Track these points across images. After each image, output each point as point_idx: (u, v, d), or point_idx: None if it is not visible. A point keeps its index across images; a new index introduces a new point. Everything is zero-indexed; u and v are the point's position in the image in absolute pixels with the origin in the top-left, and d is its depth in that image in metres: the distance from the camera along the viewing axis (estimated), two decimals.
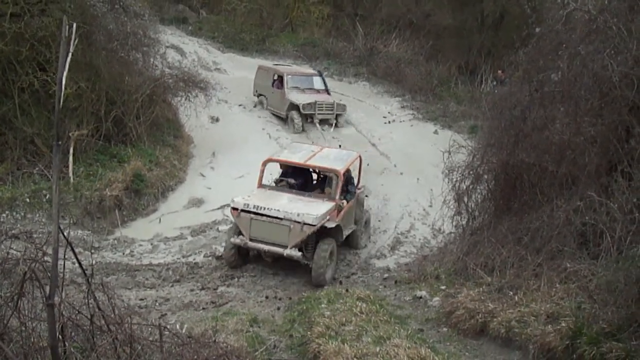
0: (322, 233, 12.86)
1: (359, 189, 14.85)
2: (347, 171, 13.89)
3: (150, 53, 19.33)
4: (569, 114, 11.26)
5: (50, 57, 15.96)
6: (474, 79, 26.47)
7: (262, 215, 12.68)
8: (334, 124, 21.98)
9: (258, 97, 23.61)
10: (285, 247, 12.56)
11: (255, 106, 23.44)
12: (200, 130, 19.87)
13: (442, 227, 14.25)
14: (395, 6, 32.21)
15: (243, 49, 29.30)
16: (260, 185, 13.98)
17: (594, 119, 10.77)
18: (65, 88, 15.48)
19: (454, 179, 12.76)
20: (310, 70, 24.61)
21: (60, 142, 5.08)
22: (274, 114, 22.69)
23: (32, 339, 5.94)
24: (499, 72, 22.99)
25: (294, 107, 21.79)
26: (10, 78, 15.97)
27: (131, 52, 18.56)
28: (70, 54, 5.06)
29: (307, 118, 21.78)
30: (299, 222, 12.34)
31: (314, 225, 12.34)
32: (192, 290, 12.55)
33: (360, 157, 14.92)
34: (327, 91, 22.96)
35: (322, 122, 21.96)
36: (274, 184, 14.39)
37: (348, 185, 13.92)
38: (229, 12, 32.76)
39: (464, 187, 12.73)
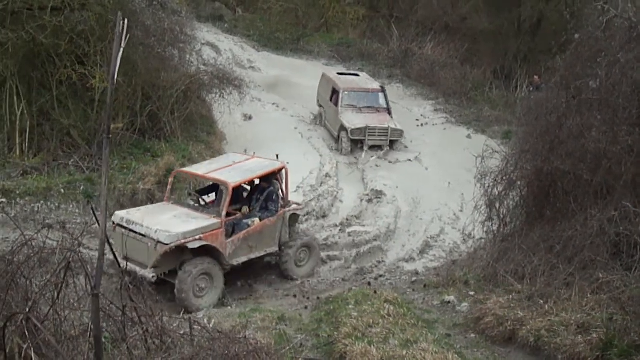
0: (200, 253, 11.65)
1: (293, 206, 13.54)
2: (259, 184, 12.98)
3: (186, 50, 19.50)
4: (606, 122, 11.09)
5: (89, 51, 16.21)
6: (509, 84, 26.18)
7: (131, 231, 11.60)
8: (384, 150, 19.83)
9: (320, 107, 22.33)
10: (146, 267, 11.25)
11: (315, 119, 22.27)
12: (233, 128, 19.99)
13: (473, 232, 14.11)
14: (431, 9, 32.03)
15: (278, 48, 29.39)
16: (167, 199, 13.18)
17: (632, 128, 10.60)
18: (103, 82, 15.76)
19: (487, 185, 12.63)
20: (373, 85, 21.94)
21: (110, 136, 5.16)
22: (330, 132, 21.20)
23: (63, 328, 6.06)
24: (535, 77, 22.73)
25: (344, 128, 20.00)
26: (49, 71, 16.27)
27: (168, 49, 18.73)
28: (122, 49, 5.12)
29: (358, 143, 19.93)
30: (154, 240, 11.20)
31: (167, 244, 11.10)
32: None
33: (286, 169, 13.47)
34: (388, 110, 20.89)
35: (374, 147, 19.95)
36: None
37: (268, 201, 12.91)
38: (265, 10, 32.87)
39: (497, 192, 12.59)
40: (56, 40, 15.71)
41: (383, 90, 21.45)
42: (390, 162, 19.28)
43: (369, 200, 16.84)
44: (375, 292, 11.10)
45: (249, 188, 13.51)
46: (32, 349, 5.56)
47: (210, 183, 13.41)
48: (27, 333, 5.66)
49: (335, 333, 9.36)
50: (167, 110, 17.89)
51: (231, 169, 12.96)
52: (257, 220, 12.56)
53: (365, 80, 22.45)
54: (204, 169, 13.33)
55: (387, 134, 19.86)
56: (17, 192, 14.44)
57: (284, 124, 21.33)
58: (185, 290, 11.23)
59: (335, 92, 21.00)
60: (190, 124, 18.91)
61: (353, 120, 20.00)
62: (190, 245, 11.41)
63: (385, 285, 12.57)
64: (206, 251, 11.72)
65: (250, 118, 21.23)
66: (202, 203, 12.99)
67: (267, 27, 31.22)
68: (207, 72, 19.76)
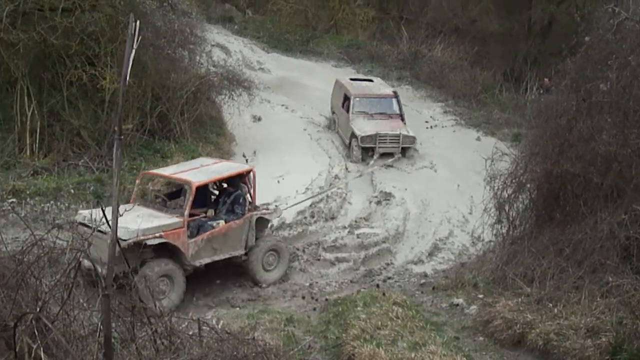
0: (161, 252, 11.57)
1: (261, 210, 13.37)
2: (226, 187, 12.91)
3: (196, 51, 19.55)
4: (617, 125, 11.06)
5: (99, 52, 16.28)
6: (519, 86, 26.07)
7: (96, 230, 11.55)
8: (395, 157, 19.24)
9: (333, 114, 21.79)
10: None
11: (328, 125, 21.76)
12: (242, 129, 20.00)
13: (482, 235, 14.08)
14: (441, 11, 32.00)
15: (287, 50, 29.41)
16: (134, 200, 12.89)
17: None
18: (113, 83, 15.82)
19: (496, 187, 12.60)
20: (385, 91, 21.26)
21: (122, 137, 5.19)
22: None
23: (72, 328, 6.09)
24: (545, 80, 22.64)
25: (355, 136, 19.45)
26: (59, 71, 16.35)
27: (178, 50, 18.79)
28: (134, 50, 5.14)
29: (369, 150, 19.33)
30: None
31: (125, 240, 10.66)
32: (228, 287, 12.69)
33: (253, 172, 13.33)
34: (401, 117, 20.22)
35: (386, 155, 19.34)
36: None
37: (234, 204, 12.79)
38: (275, 12, 32.88)
39: (506, 195, 12.56)
40: (67, 41, 15.78)
41: (396, 96, 20.84)
42: (405, 171, 19.08)
43: (378, 202, 16.81)
44: (384, 294, 11.10)
45: (217, 192, 13.51)
46: (41, 348, 5.58)
47: (179, 187, 13.26)
48: (36, 333, 5.69)
49: (344, 335, 9.38)
50: (177, 111, 17.94)
51: (197, 171, 12.90)
52: (222, 222, 12.48)
53: (378, 86, 21.84)
54: (170, 171, 13.38)
55: (398, 141, 19.28)
56: (27, 192, 14.50)
57: (293, 125, 21.33)
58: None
59: (346, 99, 20.54)
60: (200, 125, 18.94)
61: (364, 127, 19.48)
62: (149, 242, 11.25)
63: (393, 288, 12.55)
64: (167, 250, 11.63)
65: (259, 119, 21.25)
66: (169, 204, 12.78)
67: (277, 28, 31.25)
68: (216, 74, 19.79)
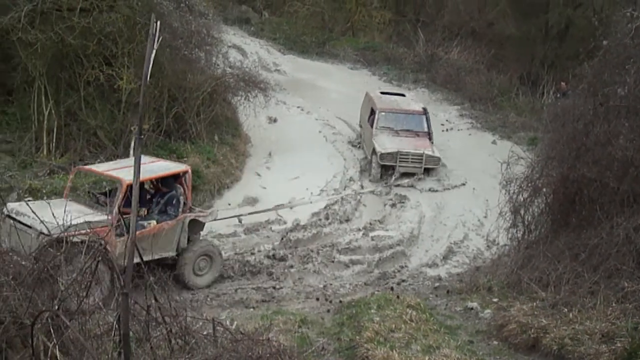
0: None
1: (195, 212, 12.93)
2: (161, 188, 12.47)
3: (212, 52, 19.65)
4: (634, 129, 10.98)
5: (116, 52, 16.40)
6: (535, 90, 25.96)
7: (19, 222, 11.06)
8: (415, 178, 18.14)
9: (360, 128, 21.08)
10: None
11: (357, 140, 20.96)
12: (258, 130, 20.07)
13: (497, 239, 14.02)
14: (457, 14, 31.91)
15: (303, 51, 29.47)
16: (66, 195, 12.30)
17: None
18: (130, 83, 15.92)
19: (512, 191, 12.54)
20: (414, 107, 20.22)
21: (142, 136, 5.24)
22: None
23: (88, 326, 6.13)
24: (562, 84, 22.52)
25: (375, 152, 18.44)
26: (77, 71, 16.48)
27: (194, 51, 18.89)
28: (155, 50, 5.18)
29: (389, 169, 18.34)
30: (37, 231, 10.31)
31: (49, 235, 9.76)
32: (242, 287, 12.71)
33: (188, 172, 12.85)
34: (429, 135, 19.21)
35: (407, 175, 18.24)
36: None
37: (167, 205, 12.36)
38: (291, 14, 32.97)
39: (522, 199, 12.49)
40: (84, 41, 15.90)
41: (425, 112, 19.71)
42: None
43: (393, 205, 16.80)
44: (398, 297, 11.08)
45: (153, 191, 13.10)
46: (57, 347, 5.62)
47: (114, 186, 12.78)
48: (52, 331, 5.73)
49: (357, 337, 9.37)
50: (193, 112, 18.03)
51: (130, 169, 11.72)
52: (153, 222, 12.04)
53: (408, 101, 20.81)
54: (104, 167, 12.95)
55: (421, 160, 18.17)
56: (44, 191, 14.59)
57: (308, 127, 21.37)
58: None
59: (372, 113, 19.66)
60: (216, 126, 19.03)
61: (385, 143, 18.48)
62: (74, 239, 10.88)
63: (407, 291, 12.51)
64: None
65: (275, 121, 21.30)
66: (102, 201, 12.27)
67: (293, 30, 31.33)
68: (233, 75, 19.88)
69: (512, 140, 20.72)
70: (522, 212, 12.54)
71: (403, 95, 21.75)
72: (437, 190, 17.85)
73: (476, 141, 21.42)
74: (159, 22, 5.18)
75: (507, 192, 12.57)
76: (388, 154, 18.15)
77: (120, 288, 5.04)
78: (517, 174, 12.70)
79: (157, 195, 12.74)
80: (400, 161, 18.18)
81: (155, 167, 12.77)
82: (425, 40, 28.96)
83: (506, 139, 21.27)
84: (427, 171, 18.41)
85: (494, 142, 21.18)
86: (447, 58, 27.87)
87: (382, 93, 21.41)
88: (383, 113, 19.33)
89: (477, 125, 22.82)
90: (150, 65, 5.22)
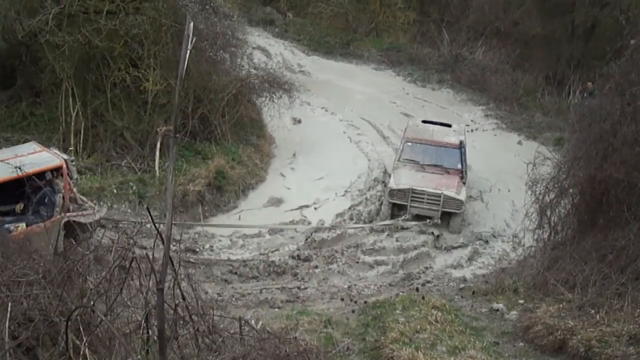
0: None
1: (75, 211, 11.39)
2: (34, 183, 10.77)
3: (237, 53, 19.75)
4: None
5: (142, 54, 16.56)
6: (561, 90, 25.72)
7: None
8: (429, 222, 15.45)
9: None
10: None
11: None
12: (282, 131, 20.13)
13: (523, 240, 13.92)
14: (482, 13, 31.63)
15: (327, 52, 29.47)
16: None
17: None
18: (156, 84, 16.06)
19: (538, 192, 12.46)
20: (448, 139, 17.02)
21: (177, 135, 5.32)
22: None
23: (116, 325, 6.20)
24: (589, 83, 22.29)
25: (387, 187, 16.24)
26: (103, 73, 16.67)
27: (219, 52, 19.00)
28: (189, 51, 5.23)
29: (402, 209, 15.73)
30: None
31: None
32: (267, 287, 12.77)
33: (65, 166, 11.39)
34: (461, 173, 16.26)
35: (421, 217, 15.60)
36: None
37: (40, 204, 10.98)
38: (315, 15, 32.99)
39: (548, 200, 12.41)
40: (111, 43, 16.09)
41: (461, 146, 16.64)
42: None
43: None
44: (423, 298, 11.06)
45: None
46: (86, 344, 5.69)
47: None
48: (81, 329, 5.81)
49: (382, 338, 9.37)
50: (218, 113, 18.14)
51: (2, 164, 10.89)
52: (22, 225, 10.58)
53: (447, 133, 17.58)
54: None
55: (438, 202, 15.39)
56: None
57: (332, 127, 21.37)
58: None
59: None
60: (240, 127, 19.12)
61: (402, 178, 15.97)
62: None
63: (432, 292, 12.48)
64: None
65: (299, 122, 21.34)
66: None
67: (317, 31, 31.34)
68: (257, 76, 19.95)
69: (538, 141, 20.54)
70: (548, 213, 12.46)
71: (448, 125, 18.30)
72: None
73: (502, 142, 21.27)
74: (192, 24, 5.20)
75: (534, 193, 12.50)
76: (399, 190, 15.61)
77: (156, 284, 5.07)
78: (544, 175, 12.63)
79: (33, 192, 11.02)
80: (412, 200, 15.53)
81: (32, 160, 11.18)
82: (450, 41, 28.79)
83: (532, 140, 21.10)
84: (447, 216, 15.63)
85: (519, 143, 21.03)
86: (472, 58, 27.70)
87: (424, 122, 18.50)
88: (409, 143, 16.87)
89: (503, 125, 22.66)
90: (185, 66, 5.27)
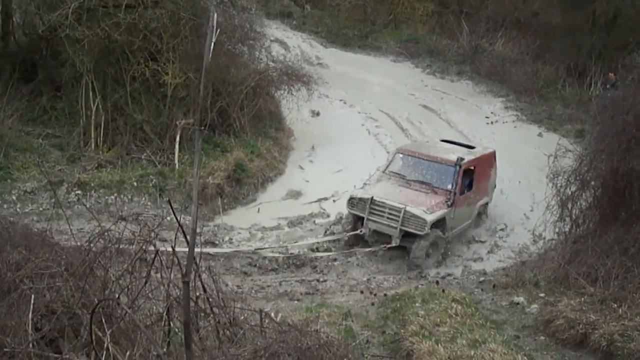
0: None
1: None
2: None
3: (255, 46, 19.78)
4: None
5: (161, 48, 16.59)
6: (582, 81, 25.48)
7: None
8: (383, 247, 13.69)
9: None
10: None
11: None
12: (300, 124, 20.14)
13: (543, 233, 13.81)
14: (501, 4, 31.41)
15: (345, 45, 29.40)
16: None
17: None
18: (175, 78, 16.11)
19: (559, 184, 12.33)
20: (446, 155, 14.67)
21: (203, 128, 5.34)
22: None
23: (138, 317, 6.23)
24: (610, 74, 22.03)
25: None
26: (123, 67, 16.73)
27: (237, 45, 19.04)
28: (213, 43, 5.24)
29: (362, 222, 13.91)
30: None
31: None
32: (287, 280, 12.79)
33: None
34: (448, 195, 13.92)
35: (380, 235, 13.76)
36: None
37: None
38: (333, 7, 32.95)
39: (569, 192, 12.27)
40: (130, 37, 16.14)
41: (457, 164, 14.10)
42: None
43: None
44: (443, 290, 11.01)
45: None
46: (108, 336, 5.74)
47: None
48: (104, 321, 5.85)
49: (402, 331, 9.35)
50: (237, 106, 18.16)
51: None
52: None
53: (455, 150, 15.26)
54: None
55: (398, 217, 13.34)
56: (92, 185, 14.91)
57: (351, 120, 21.34)
58: None
59: None
60: (259, 120, 19.15)
61: (371, 190, 14.40)
62: None
63: (452, 285, 12.43)
64: None
65: (317, 114, 21.33)
66: None
67: (335, 23, 31.28)
68: (275, 69, 19.96)
69: (559, 133, 20.38)
70: (569, 205, 12.32)
71: (471, 147, 16.08)
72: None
73: (522, 134, 21.12)
74: (216, 15, 5.20)
75: (554, 185, 12.36)
76: (360, 200, 13.89)
77: (182, 277, 5.09)
78: (565, 167, 12.48)
79: None
80: (371, 213, 13.68)
81: None
82: (469, 32, 28.64)
83: (552, 132, 20.94)
84: (411, 240, 13.47)
85: (539, 135, 20.87)
86: (492, 49, 27.54)
87: (443, 141, 16.56)
88: (400, 155, 14.94)
89: (523, 117, 22.50)
90: (209, 56, 5.27)
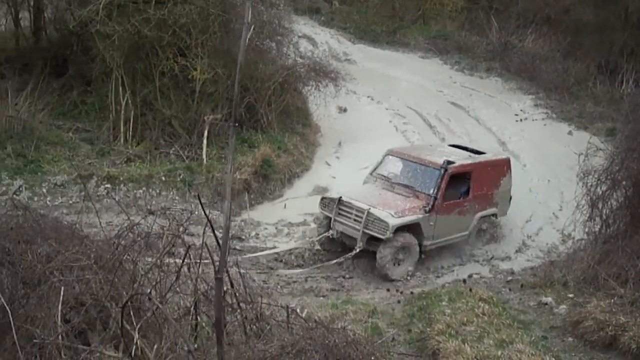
0: None
1: None
2: None
3: (283, 42, 19.79)
4: None
5: (190, 43, 16.66)
6: (614, 79, 25.06)
7: None
8: (356, 248, 12.91)
9: None
10: None
11: None
12: (327, 120, 20.11)
13: (573, 233, 13.64)
14: (532, 0, 31.08)
15: (374, 41, 29.24)
16: None
17: None
18: (203, 73, 16.19)
19: (589, 183, 12.16)
20: (434, 157, 13.81)
21: (236, 124, 5.38)
22: None
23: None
24: None
25: None
26: (152, 62, 16.85)
27: (265, 41, 19.06)
28: (247, 38, 5.26)
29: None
30: None
31: None
32: (312, 276, 12.80)
33: None
34: (428, 199, 13.04)
35: (347, 238, 13.24)
36: None
37: None
38: (361, 3, 32.81)
39: (600, 192, 12.10)
40: (159, 33, 16.24)
41: (443, 168, 13.26)
42: None
43: None
44: (470, 290, 10.94)
45: None
46: (136, 329, 5.79)
47: None
48: (132, 314, 5.90)
49: (428, 329, 9.31)
50: (264, 101, 18.21)
51: None
52: None
53: (454, 153, 14.58)
54: None
55: (361, 220, 12.76)
56: (121, 179, 15.07)
57: (378, 116, 21.24)
58: None
59: None
60: (286, 116, 19.17)
61: (348, 192, 13.82)
62: None
63: (479, 284, 12.34)
64: None
65: (344, 110, 21.27)
66: None
67: (364, 19, 31.13)
68: (303, 65, 19.95)
69: (589, 131, 20.08)
70: (600, 205, 12.15)
71: (480, 152, 15.11)
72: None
73: (551, 132, 20.85)
74: (250, 11, 5.21)
75: (585, 184, 12.20)
76: (331, 200, 13.48)
77: (215, 273, 5.11)
78: (595, 166, 12.31)
79: None
80: (339, 214, 13.21)
81: None
82: (499, 28, 28.34)
83: (583, 130, 20.63)
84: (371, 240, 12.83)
85: (570, 133, 20.59)
86: (521, 46, 27.18)
87: (452, 146, 15.77)
88: (390, 157, 14.31)
89: (553, 115, 22.20)
90: (244, 52, 5.29)
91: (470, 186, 13.90)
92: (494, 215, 14.58)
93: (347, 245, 13.24)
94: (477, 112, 22.03)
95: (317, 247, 13.73)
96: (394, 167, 14.12)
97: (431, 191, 13.12)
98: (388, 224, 12.45)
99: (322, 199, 13.76)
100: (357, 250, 12.85)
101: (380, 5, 32.06)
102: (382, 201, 13.09)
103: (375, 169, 14.41)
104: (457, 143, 16.57)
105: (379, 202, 13.00)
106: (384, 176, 14.03)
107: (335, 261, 13.08)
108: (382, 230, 12.51)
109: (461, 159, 14.07)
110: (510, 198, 15.01)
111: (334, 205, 13.22)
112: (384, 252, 12.60)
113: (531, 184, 17.18)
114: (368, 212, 12.66)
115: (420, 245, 13.04)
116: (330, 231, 13.28)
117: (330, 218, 13.34)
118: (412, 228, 12.92)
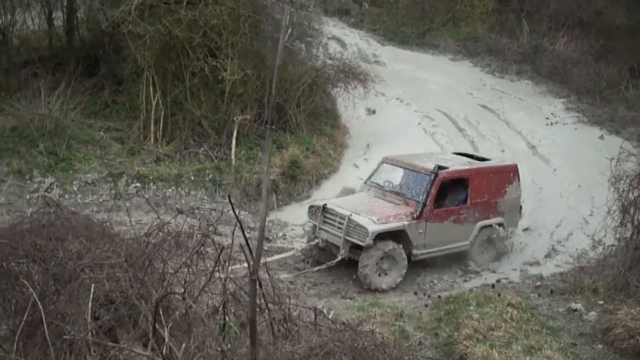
0: None
1: None
2: None
3: (313, 44, 19.84)
4: None
5: (220, 44, 16.75)
6: None
7: None
8: (338, 255, 12.42)
9: None
10: None
11: None
12: (356, 122, 20.10)
13: (603, 238, 13.44)
14: (564, 2, 30.70)
15: (403, 42, 29.15)
16: None
17: None
18: (233, 74, 16.27)
19: (621, 189, 12.00)
20: (427, 164, 13.25)
21: (273, 126, 5.43)
22: None
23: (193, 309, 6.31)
24: None
25: None
26: (183, 63, 16.96)
27: (295, 42, 19.10)
28: (283, 42, 5.29)
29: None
30: None
31: None
32: (339, 278, 12.78)
33: None
34: (417, 206, 12.48)
35: (334, 247, 12.64)
36: None
37: None
38: (391, 4, 32.77)
39: (632, 197, 11.94)
40: (190, 34, 16.34)
41: (433, 173, 12.69)
42: None
43: None
44: (499, 294, 10.85)
45: None
46: (165, 328, 5.83)
47: None
48: (161, 312, 5.95)
49: (455, 334, 9.26)
50: (293, 102, 18.26)
51: None
52: None
53: (451, 159, 14.10)
54: None
55: (342, 227, 12.30)
56: (151, 178, 15.22)
57: (407, 119, 21.17)
58: None
59: None
60: (315, 117, 19.19)
61: (339, 201, 13.57)
62: None
63: (507, 289, 12.23)
64: None
65: (373, 112, 21.24)
66: None
67: (393, 21, 31.05)
68: (332, 66, 19.97)
69: (622, 136, 19.82)
70: (631, 211, 11.99)
71: (485, 159, 14.59)
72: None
73: (583, 136, 20.61)
74: (288, 15, 5.24)
75: (616, 189, 12.04)
76: (317, 208, 13.12)
77: (249, 274, 5.13)
78: (627, 171, 12.14)
79: None
80: (324, 222, 12.78)
81: None
82: (530, 31, 28.10)
83: (615, 134, 20.37)
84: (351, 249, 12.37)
85: (601, 137, 20.34)
86: (553, 49, 26.91)
87: (456, 154, 15.15)
88: (385, 165, 13.91)
89: (584, 119, 21.95)
90: (281, 54, 5.34)
91: (467, 193, 13.32)
92: (501, 225, 13.79)
93: (335, 255, 12.62)
94: (507, 115, 21.85)
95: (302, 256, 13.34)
96: (388, 175, 13.69)
97: (422, 198, 12.58)
98: (368, 231, 11.93)
99: (310, 207, 13.43)
100: (340, 258, 12.33)
101: (410, 7, 31.97)
102: (369, 208, 12.63)
103: (370, 177, 14.05)
104: (464, 151, 16.06)
105: (364, 210, 12.53)
106: (378, 184, 13.61)
107: (317, 268, 12.59)
108: (362, 237, 12.02)
109: (457, 164, 13.53)
110: (521, 207, 14.43)
111: (319, 213, 12.85)
112: (366, 261, 12.07)
113: (562, 188, 17.01)
114: (349, 218, 12.22)
115: (409, 254, 12.50)
116: (316, 240, 12.84)
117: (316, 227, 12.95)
118: (397, 236, 12.35)
